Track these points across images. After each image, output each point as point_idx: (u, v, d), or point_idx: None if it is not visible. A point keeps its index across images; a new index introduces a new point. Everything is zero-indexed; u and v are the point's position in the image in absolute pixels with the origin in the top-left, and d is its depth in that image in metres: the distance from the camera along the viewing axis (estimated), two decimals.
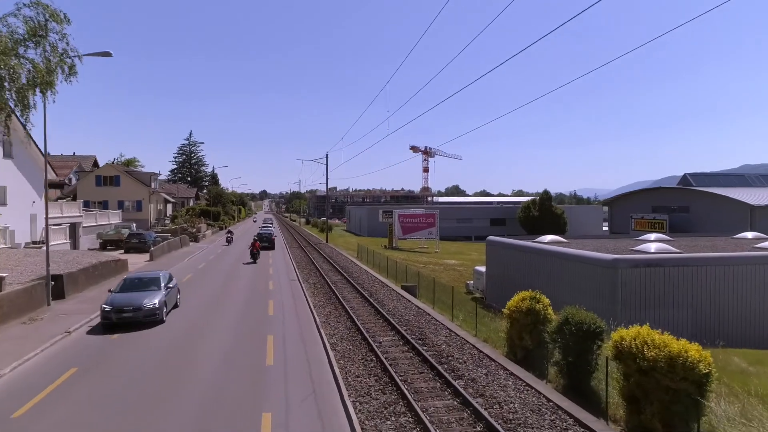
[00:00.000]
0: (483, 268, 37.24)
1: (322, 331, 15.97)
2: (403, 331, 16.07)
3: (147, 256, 38.40)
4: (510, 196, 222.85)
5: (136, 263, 35.08)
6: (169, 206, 74.43)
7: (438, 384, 11.67)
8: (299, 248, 50.11)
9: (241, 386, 11.25)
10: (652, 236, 35.06)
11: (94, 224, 46.63)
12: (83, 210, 45.58)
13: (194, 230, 62.63)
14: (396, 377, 11.71)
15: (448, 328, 17.07)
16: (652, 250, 26.41)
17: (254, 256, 37.95)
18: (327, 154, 56.59)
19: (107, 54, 20.14)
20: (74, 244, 41.22)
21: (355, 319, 17.60)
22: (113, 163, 65.48)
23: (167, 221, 65.89)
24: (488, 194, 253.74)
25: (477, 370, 12.71)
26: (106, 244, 45.64)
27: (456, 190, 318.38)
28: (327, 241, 57.80)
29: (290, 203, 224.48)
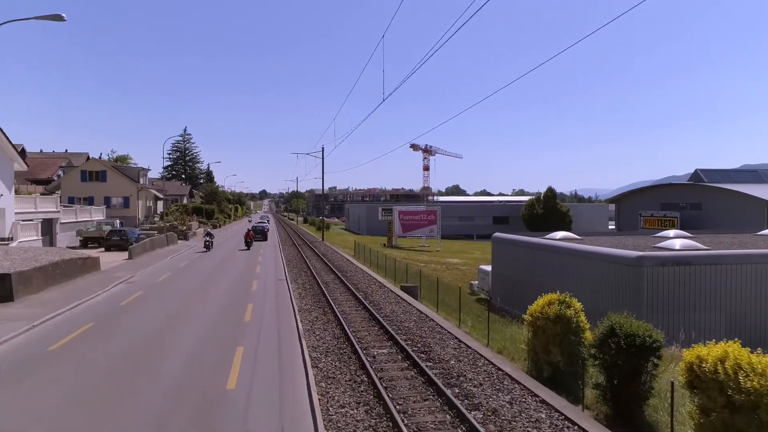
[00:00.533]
0: (488, 268, 34.77)
1: (303, 342, 13.13)
2: (403, 342, 13.25)
3: (127, 254, 35.56)
4: (511, 195, 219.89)
5: (113, 261, 32.27)
6: (160, 203, 71.60)
7: (448, 417, 8.84)
8: (293, 246, 47.31)
9: (185, 421, 8.42)
10: (672, 233, 32.38)
11: (74, 220, 43.81)
12: (62, 205, 42.79)
13: (185, 228, 59.98)
14: (392, 407, 8.90)
15: (455, 337, 14.26)
16: (677, 247, 23.75)
17: (248, 244, 44.87)
18: (323, 148, 53.80)
19: (59, 17, 17.38)
20: (51, 241, 38.39)
21: (346, 327, 14.78)
22: (100, 158, 62.63)
23: (156, 218, 63.07)
24: (488, 194, 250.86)
25: (497, 396, 9.88)
26: (87, 242, 42.92)
27: (456, 190, 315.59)
28: (323, 239, 54.98)
29: (289, 203, 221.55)
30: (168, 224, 58.93)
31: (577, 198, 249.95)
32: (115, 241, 40.09)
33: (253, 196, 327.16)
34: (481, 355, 12.50)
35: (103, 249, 40.40)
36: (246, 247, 43.70)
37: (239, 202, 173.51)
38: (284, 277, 26.24)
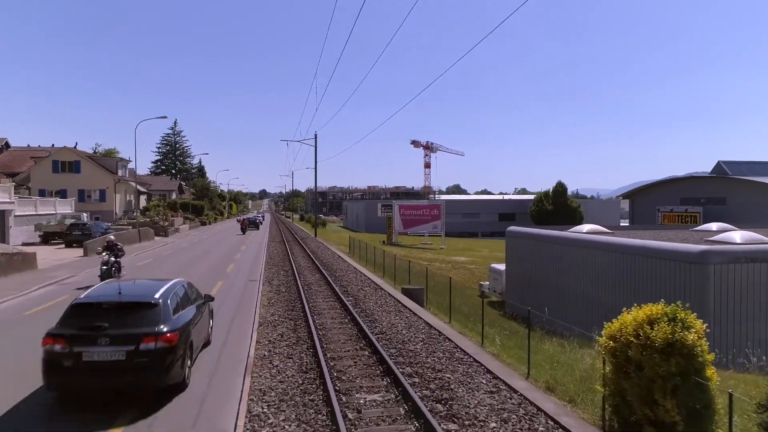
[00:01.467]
0: (501, 266, 30.18)
1: (247, 381, 8.19)
2: (406, 382, 8.29)
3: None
4: (513, 194, 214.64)
5: (63, 259, 27.39)
6: (144, 198, 66.72)
7: None
8: (281, 242, 42.36)
9: None
10: (714, 225, 27.72)
11: (34, 213, 38.91)
12: (18, 196, 37.97)
13: (166, 224, 55.29)
14: None
15: (485, 368, 9.34)
16: (738, 240, 18.96)
17: (243, 230, 54.26)
18: (315, 135, 48.80)
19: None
20: (2, 237, 33.52)
21: (321, 353, 9.84)
22: (75, 147, 57.58)
23: (136, 213, 58.13)
24: (489, 194, 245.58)
25: None
26: (48, 237, 38.07)
27: (457, 190, 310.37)
28: (315, 236, 49.98)
29: (288, 201, 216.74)
30: (148, 220, 54.47)
31: (579, 197, 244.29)
32: (76, 236, 35.23)
33: (252, 196, 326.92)
34: (539, 408, 7.52)
35: (63, 245, 35.65)
36: (241, 233, 53.37)
37: (235, 199, 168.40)
38: (259, 277, 21.31)
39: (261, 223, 79.47)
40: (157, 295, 7.72)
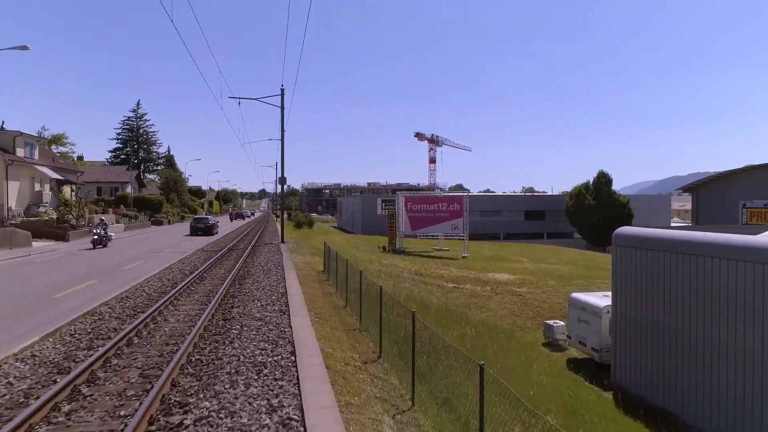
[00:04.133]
0: (597, 299, 14.40)
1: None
2: None
3: None
4: (520, 193, 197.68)
5: None
6: (68, 188, 50.64)
7: None
8: (214, 252, 26.16)
9: None
10: None
11: None
12: None
13: (81, 222, 40.17)
14: None
15: None
16: None
17: (231, 220, 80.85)
18: (282, 89, 32.64)
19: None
20: None
21: None
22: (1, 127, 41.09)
23: (43, 209, 42.25)
24: (493, 194, 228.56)
25: None
26: None
27: (460, 189, 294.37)
28: (282, 240, 33.76)
29: (284, 200, 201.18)
30: (58, 217, 39.36)
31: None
32: None
33: (252, 196, 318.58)
34: None
35: None
36: (230, 220, 79.36)
37: (222, 197, 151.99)
38: None
39: (248, 216, 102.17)
40: (209, 216, 61.31)
